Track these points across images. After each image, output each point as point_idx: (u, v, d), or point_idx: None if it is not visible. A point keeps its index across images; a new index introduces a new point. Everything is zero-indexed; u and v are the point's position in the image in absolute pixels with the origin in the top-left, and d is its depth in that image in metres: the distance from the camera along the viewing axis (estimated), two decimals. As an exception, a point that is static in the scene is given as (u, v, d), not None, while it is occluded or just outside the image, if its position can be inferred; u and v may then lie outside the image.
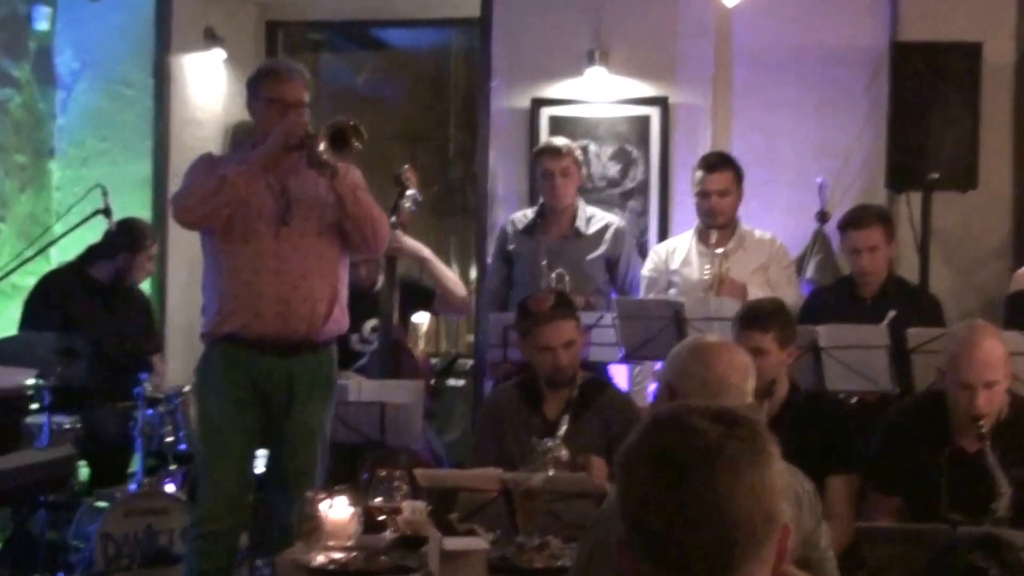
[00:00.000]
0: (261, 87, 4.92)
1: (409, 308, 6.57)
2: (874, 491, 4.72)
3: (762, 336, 4.65)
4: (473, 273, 7.74)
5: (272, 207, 4.84)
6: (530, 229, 6.41)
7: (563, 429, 4.71)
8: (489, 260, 6.80)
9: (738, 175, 6.16)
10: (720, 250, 6.02)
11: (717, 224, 6.08)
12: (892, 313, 5.40)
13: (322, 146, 4.66)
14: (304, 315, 4.85)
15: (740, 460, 1.78)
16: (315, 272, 4.86)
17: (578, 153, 6.48)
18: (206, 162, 5.02)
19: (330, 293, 4.91)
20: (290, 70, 4.97)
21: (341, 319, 5.01)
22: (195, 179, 4.94)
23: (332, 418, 5.07)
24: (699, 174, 6.15)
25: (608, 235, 6.35)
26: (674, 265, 6.24)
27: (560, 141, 6.44)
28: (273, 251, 4.83)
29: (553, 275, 6.15)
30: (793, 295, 5.98)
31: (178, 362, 7.15)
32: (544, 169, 6.37)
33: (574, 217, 6.37)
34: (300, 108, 4.88)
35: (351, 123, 4.71)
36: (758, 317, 4.75)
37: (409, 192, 6.18)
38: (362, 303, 6.20)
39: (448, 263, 7.91)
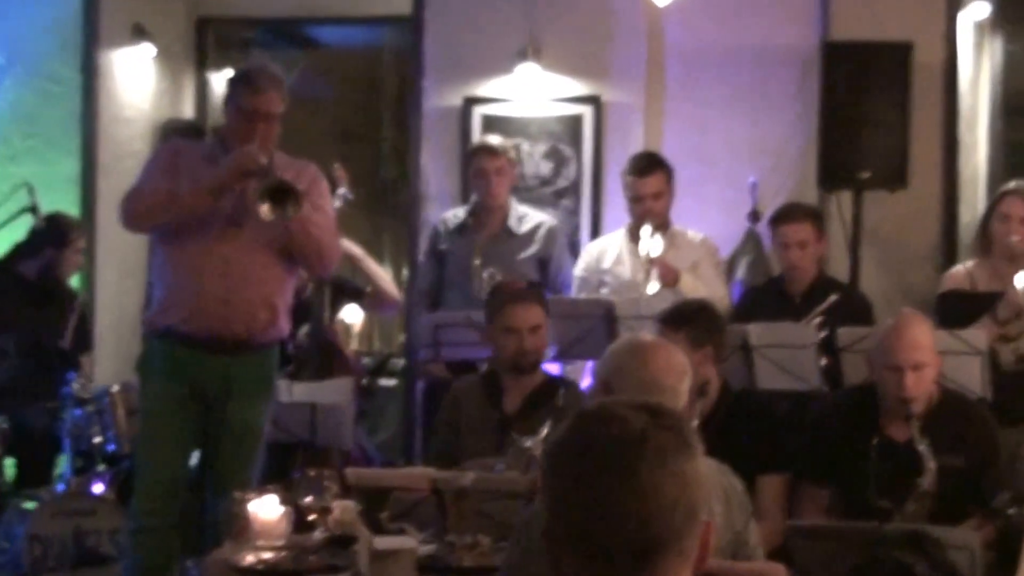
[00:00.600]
0: (237, 92, 4.92)
1: (338, 304, 6.56)
2: (805, 481, 4.75)
3: (674, 335, 4.63)
4: (406, 272, 7.72)
5: (226, 208, 4.83)
6: (462, 228, 6.39)
7: (544, 432, 4.63)
8: (420, 259, 6.77)
9: (669, 176, 6.16)
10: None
11: (654, 226, 6.07)
12: (820, 308, 5.43)
13: (262, 207, 4.65)
14: (244, 318, 4.87)
15: (666, 450, 1.79)
16: (259, 279, 4.87)
17: (513, 152, 6.47)
18: (166, 158, 5.02)
19: (272, 300, 4.92)
20: (267, 81, 4.91)
21: (283, 326, 5.03)
22: (149, 182, 4.93)
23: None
24: (630, 179, 6.14)
25: (540, 234, 6.34)
26: (606, 264, 6.25)
27: (495, 140, 6.43)
28: (222, 252, 4.84)
29: (485, 274, 6.13)
30: (721, 292, 6.01)
31: (108, 361, 7.09)
32: (478, 167, 6.35)
33: (506, 216, 6.36)
34: (271, 120, 4.87)
35: (292, 186, 4.69)
36: (673, 316, 4.77)
37: (340, 191, 6.18)
38: (296, 309, 6.19)
39: (381, 262, 7.89)
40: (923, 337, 4.54)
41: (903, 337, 4.51)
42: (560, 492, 1.82)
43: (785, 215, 5.87)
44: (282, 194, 4.67)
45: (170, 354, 4.90)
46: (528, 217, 6.41)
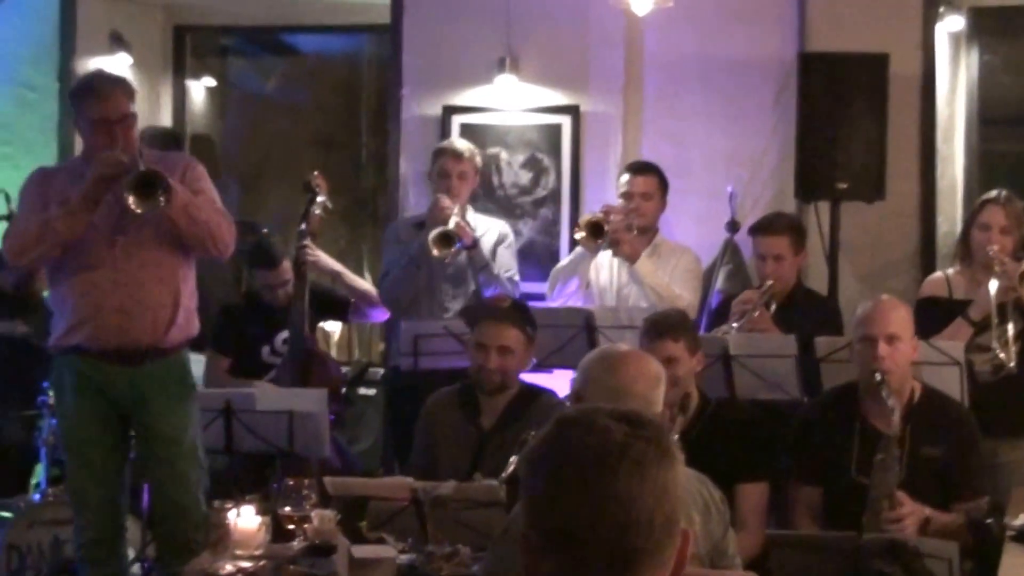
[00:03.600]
0: (83, 107, 4.87)
1: (320, 316, 6.55)
2: (796, 482, 4.81)
3: (675, 345, 4.71)
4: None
5: (107, 218, 4.80)
6: (420, 227, 6.30)
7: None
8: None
9: (663, 184, 6.23)
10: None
11: (633, 233, 6.09)
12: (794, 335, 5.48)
13: (131, 200, 4.61)
14: (145, 325, 4.84)
15: (645, 460, 1.79)
16: (154, 280, 4.85)
17: (478, 160, 6.42)
18: (32, 190, 4.96)
19: (172, 300, 4.89)
20: (109, 84, 4.89)
21: (187, 325, 4.99)
22: (21, 220, 4.94)
23: (230, 426, 5.16)
24: (625, 176, 6.23)
25: (487, 240, 6.31)
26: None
27: (462, 144, 6.41)
28: (110, 262, 4.82)
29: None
30: (688, 297, 6.02)
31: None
32: (441, 168, 6.30)
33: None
34: (126, 121, 4.82)
35: (156, 172, 4.65)
36: (668, 327, 4.79)
37: (319, 199, 6.18)
38: (274, 315, 6.19)
39: (361, 271, 7.88)
40: (897, 313, 4.71)
41: (877, 310, 4.69)
42: (538, 499, 1.82)
43: (764, 227, 5.89)
44: (150, 185, 4.62)
45: (79, 372, 4.89)
46: (480, 225, 6.38)
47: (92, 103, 4.82)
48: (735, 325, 5.57)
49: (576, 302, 6.25)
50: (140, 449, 4.98)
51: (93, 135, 4.85)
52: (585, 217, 6.12)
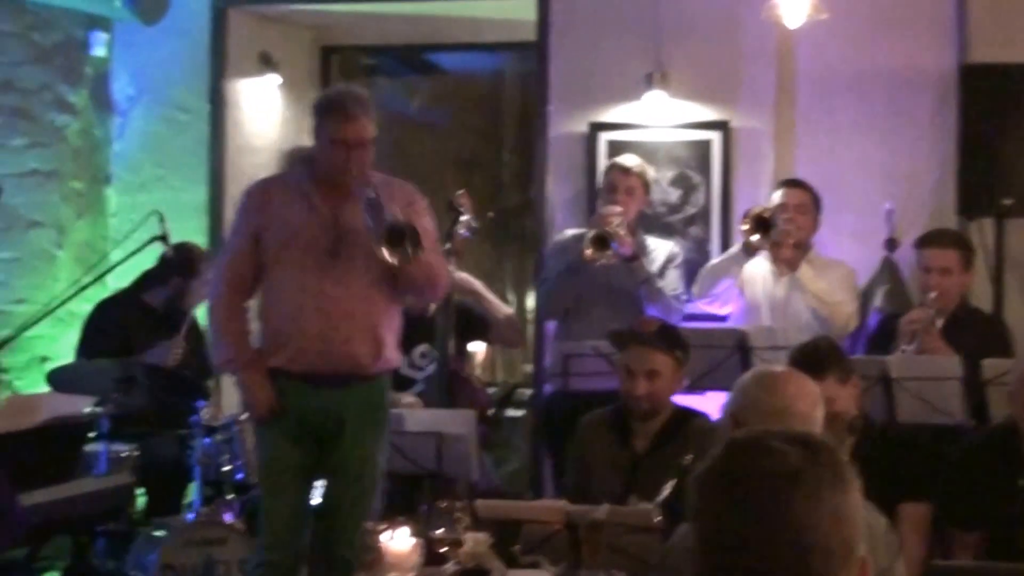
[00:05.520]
0: (325, 122, 4.80)
1: (465, 337, 6.55)
2: (951, 528, 4.65)
3: (821, 384, 4.51)
4: (531, 302, 7.68)
5: (321, 239, 4.77)
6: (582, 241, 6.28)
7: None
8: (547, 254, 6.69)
9: (816, 201, 6.21)
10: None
11: (790, 241, 6.08)
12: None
13: (385, 253, 4.61)
14: (346, 355, 4.82)
15: (820, 485, 1.76)
16: (360, 312, 4.78)
17: (649, 177, 6.43)
18: (251, 200, 5.02)
19: (377, 334, 4.85)
20: (358, 106, 4.79)
21: (391, 355, 4.96)
22: (229, 244, 5.09)
23: (388, 447, 5.05)
24: (779, 191, 6.23)
25: (659, 264, 6.30)
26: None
27: (631, 160, 6.43)
28: (317, 288, 4.78)
29: None
30: (847, 300, 6.01)
31: (233, 390, 7.11)
32: (609, 183, 6.37)
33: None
34: (364, 147, 4.77)
35: (411, 227, 4.61)
36: (812, 363, 4.54)
37: (463, 218, 6.19)
38: (413, 328, 6.17)
39: (504, 291, 7.89)
40: None
41: None
42: (709, 524, 1.79)
43: (931, 239, 5.84)
44: (399, 235, 4.59)
45: (279, 392, 4.89)
46: (650, 244, 6.37)
47: (337, 121, 4.76)
48: (907, 348, 5.43)
49: (726, 303, 6.27)
50: (328, 471, 4.95)
51: (328, 153, 4.80)
52: (754, 210, 6.07)
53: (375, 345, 4.84)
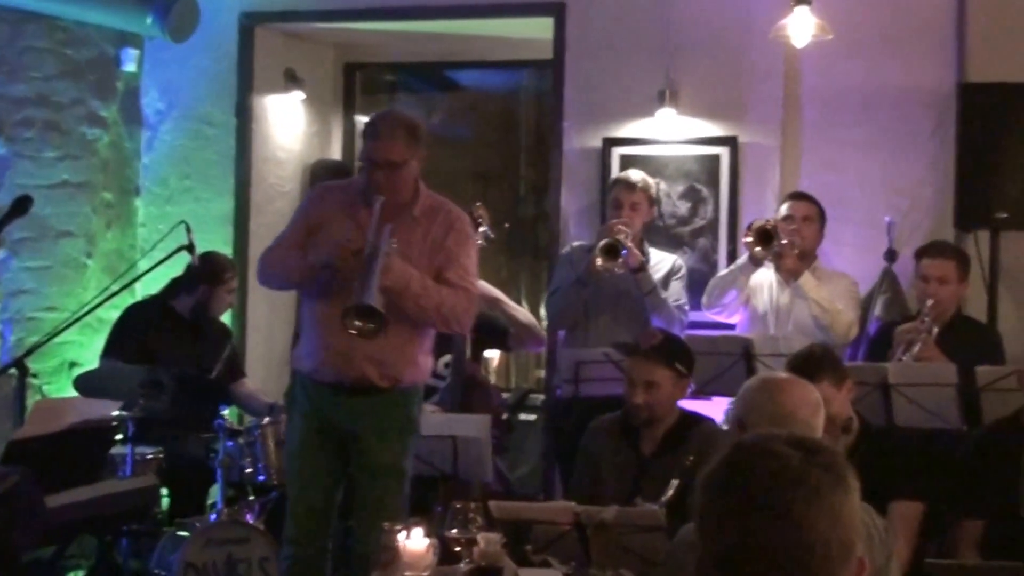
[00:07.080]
0: (365, 141, 4.93)
1: (482, 345, 6.67)
2: (960, 516, 4.77)
3: (817, 385, 4.67)
4: (544, 311, 7.80)
5: (358, 257, 4.74)
6: (590, 252, 6.36)
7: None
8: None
9: (821, 214, 6.33)
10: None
11: (795, 252, 6.20)
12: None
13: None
14: (367, 370, 4.86)
15: (821, 487, 1.80)
16: (391, 332, 4.67)
17: (653, 190, 6.55)
18: (309, 202, 5.07)
19: (405, 350, 4.88)
20: (388, 127, 4.83)
21: (420, 371, 4.99)
22: (282, 243, 5.01)
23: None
24: (786, 203, 6.35)
25: (662, 276, 6.42)
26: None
27: (636, 175, 6.52)
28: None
29: None
30: (847, 310, 6.10)
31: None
32: (615, 198, 6.47)
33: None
34: (391, 168, 4.79)
35: (374, 310, 4.56)
36: (808, 368, 4.73)
37: (480, 229, 6.27)
38: (438, 338, 6.31)
39: (519, 299, 7.98)
40: None
41: None
42: (713, 524, 1.83)
43: (930, 249, 5.94)
44: (368, 313, 4.57)
45: (307, 393, 4.99)
46: (654, 257, 6.49)
47: (367, 140, 4.87)
48: (903, 357, 5.56)
49: (733, 313, 6.35)
50: (354, 475, 5.00)
51: (366, 171, 4.90)
52: (756, 223, 6.21)
53: (402, 361, 4.89)
